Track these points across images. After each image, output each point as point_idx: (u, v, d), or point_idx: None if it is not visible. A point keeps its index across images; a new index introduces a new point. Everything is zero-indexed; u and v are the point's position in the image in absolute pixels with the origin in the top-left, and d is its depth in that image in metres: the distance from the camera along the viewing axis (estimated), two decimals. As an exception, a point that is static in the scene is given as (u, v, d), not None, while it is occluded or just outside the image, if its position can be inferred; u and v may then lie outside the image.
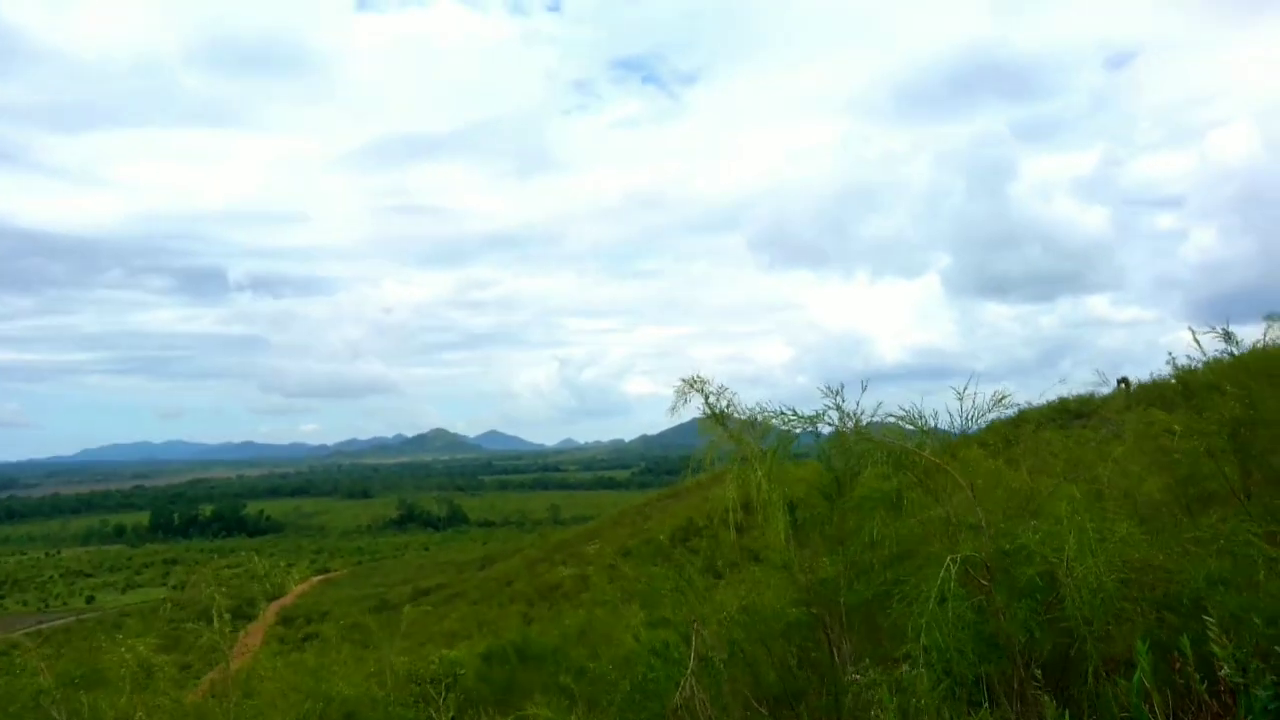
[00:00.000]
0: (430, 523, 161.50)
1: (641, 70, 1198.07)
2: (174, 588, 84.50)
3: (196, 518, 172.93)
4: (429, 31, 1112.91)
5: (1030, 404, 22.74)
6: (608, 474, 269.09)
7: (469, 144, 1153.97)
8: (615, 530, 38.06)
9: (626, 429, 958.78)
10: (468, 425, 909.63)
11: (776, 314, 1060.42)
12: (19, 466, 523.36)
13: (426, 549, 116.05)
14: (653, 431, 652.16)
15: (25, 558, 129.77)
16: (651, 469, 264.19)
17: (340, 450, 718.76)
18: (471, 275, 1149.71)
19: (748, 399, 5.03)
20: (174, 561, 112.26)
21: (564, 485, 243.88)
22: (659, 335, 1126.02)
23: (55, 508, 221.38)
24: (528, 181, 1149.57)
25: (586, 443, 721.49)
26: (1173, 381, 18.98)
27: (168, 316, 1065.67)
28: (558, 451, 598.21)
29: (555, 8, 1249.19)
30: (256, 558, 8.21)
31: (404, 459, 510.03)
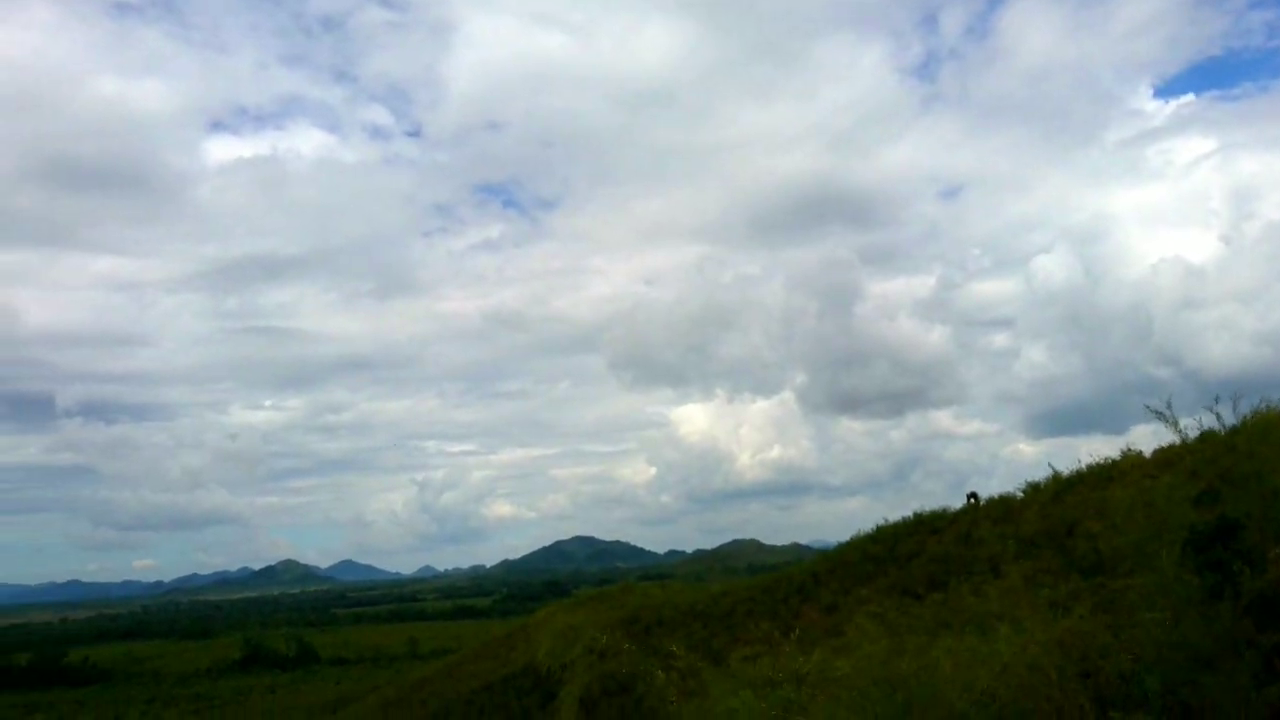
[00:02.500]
0: (278, 662, 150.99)
1: (502, 195, 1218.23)
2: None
3: (9, 669, 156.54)
4: (284, 154, 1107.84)
5: (886, 519, 23.40)
6: (469, 602, 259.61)
7: (325, 266, 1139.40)
8: (478, 663, 36.46)
9: (488, 554, 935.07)
10: (320, 555, 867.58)
11: (638, 432, 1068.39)
12: None
13: (273, 691, 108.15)
14: (514, 555, 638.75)
15: None
16: (514, 595, 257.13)
17: (178, 587, 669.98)
18: (325, 399, 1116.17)
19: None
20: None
21: (423, 615, 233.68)
22: (521, 456, 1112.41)
23: None
24: (386, 303, 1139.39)
25: (446, 569, 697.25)
26: (1020, 496, 19.91)
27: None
28: (416, 580, 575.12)
29: (415, 133, 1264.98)
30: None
31: (250, 594, 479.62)
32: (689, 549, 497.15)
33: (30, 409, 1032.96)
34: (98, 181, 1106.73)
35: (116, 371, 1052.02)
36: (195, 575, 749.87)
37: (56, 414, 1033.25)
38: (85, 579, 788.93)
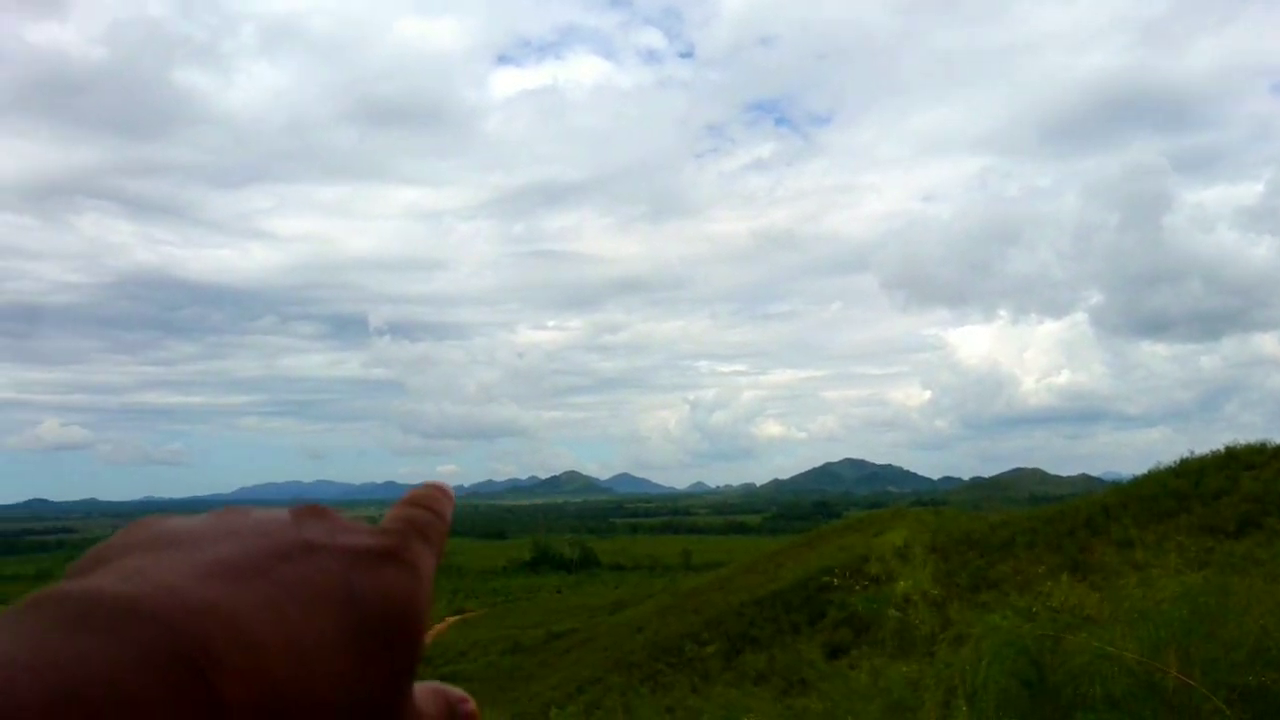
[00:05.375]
0: (563, 565, 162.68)
1: (774, 112, 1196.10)
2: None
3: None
4: (564, 83, 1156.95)
5: (1192, 452, 21.38)
6: (739, 518, 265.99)
7: (602, 190, 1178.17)
8: (747, 577, 37.40)
9: (758, 473, 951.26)
10: (599, 468, 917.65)
11: (912, 355, 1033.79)
12: (183, 503, 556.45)
13: (559, 591, 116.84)
14: (784, 476, 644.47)
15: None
16: (783, 514, 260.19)
17: (476, 491, 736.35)
18: (603, 319, 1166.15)
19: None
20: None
21: (694, 529, 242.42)
22: (791, 378, 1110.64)
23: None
24: (659, 226, 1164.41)
25: (717, 486, 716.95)
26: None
27: (316, 361, 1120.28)
28: (688, 495, 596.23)
29: (688, 54, 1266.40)
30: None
31: (538, 501, 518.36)
32: (965, 476, 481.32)
33: (349, 328, 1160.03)
34: (402, 118, 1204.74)
35: (419, 294, 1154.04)
36: (491, 481, 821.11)
37: (369, 333, 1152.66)
38: (399, 480, 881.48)
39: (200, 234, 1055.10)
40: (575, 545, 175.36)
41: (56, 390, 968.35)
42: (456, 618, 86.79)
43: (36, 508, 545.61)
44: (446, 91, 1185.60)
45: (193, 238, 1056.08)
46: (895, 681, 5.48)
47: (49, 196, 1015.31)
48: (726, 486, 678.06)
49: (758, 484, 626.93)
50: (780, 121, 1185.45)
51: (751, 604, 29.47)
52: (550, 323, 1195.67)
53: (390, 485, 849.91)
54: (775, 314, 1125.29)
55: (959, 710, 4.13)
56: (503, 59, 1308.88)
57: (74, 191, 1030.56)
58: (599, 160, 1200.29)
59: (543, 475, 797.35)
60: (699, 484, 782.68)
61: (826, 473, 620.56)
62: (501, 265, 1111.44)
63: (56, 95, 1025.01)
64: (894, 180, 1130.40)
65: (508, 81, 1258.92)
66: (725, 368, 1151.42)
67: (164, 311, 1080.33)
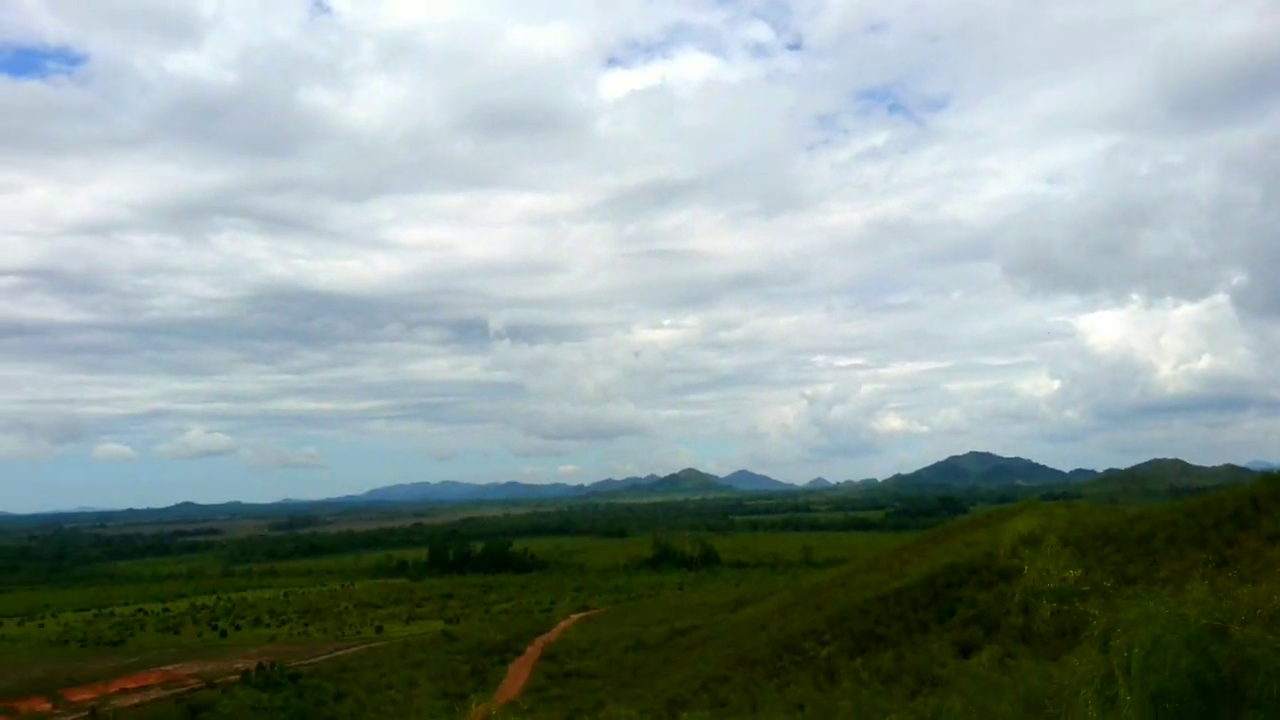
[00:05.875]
0: (684, 562, 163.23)
1: (887, 100, 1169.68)
2: (449, 621, 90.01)
3: (469, 554, 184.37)
4: (672, 81, 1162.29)
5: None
6: (860, 514, 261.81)
7: (713, 187, 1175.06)
8: (870, 574, 36.80)
9: (879, 468, 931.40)
10: (718, 465, 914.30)
11: (1039, 343, 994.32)
12: (317, 505, 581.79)
13: (681, 588, 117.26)
14: (906, 470, 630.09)
15: (324, 589, 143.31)
16: (906, 510, 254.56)
17: (596, 490, 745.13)
18: (718, 316, 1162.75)
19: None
20: (449, 595, 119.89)
21: (815, 526, 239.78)
22: (911, 370, 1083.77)
23: (348, 543, 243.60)
24: (771, 220, 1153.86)
25: (837, 482, 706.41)
26: None
27: (440, 365, 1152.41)
28: (808, 491, 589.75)
29: (796, 46, 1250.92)
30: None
31: (657, 499, 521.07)
32: (1099, 468, 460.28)
33: (469, 332, 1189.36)
34: (515, 125, 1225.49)
35: (536, 297, 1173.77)
36: (610, 480, 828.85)
37: (489, 336, 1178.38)
38: (521, 481, 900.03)
39: (327, 246, 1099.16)
40: (696, 543, 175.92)
41: (201, 400, 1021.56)
42: (580, 615, 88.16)
43: (186, 510, 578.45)
44: (558, 96, 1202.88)
45: (321, 250, 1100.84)
46: (1035, 678, 5.33)
47: (189, 216, 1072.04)
48: (847, 482, 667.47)
49: (879, 479, 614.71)
50: (894, 108, 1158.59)
51: (876, 601, 28.98)
52: (665, 321, 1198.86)
53: (513, 485, 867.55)
54: (894, 305, 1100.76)
55: (1115, 704, 3.98)
56: (611, 61, 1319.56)
57: (211, 211, 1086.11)
58: (709, 157, 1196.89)
59: (661, 474, 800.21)
60: (819, 480, 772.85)
61: (951, 467, 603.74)
62: (616, 266, 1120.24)
63: (194, 120, 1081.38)
64: (1015, 163, 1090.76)
65: (617, 83, 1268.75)
66: (843, 361, 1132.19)
67: (296, 322, 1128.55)
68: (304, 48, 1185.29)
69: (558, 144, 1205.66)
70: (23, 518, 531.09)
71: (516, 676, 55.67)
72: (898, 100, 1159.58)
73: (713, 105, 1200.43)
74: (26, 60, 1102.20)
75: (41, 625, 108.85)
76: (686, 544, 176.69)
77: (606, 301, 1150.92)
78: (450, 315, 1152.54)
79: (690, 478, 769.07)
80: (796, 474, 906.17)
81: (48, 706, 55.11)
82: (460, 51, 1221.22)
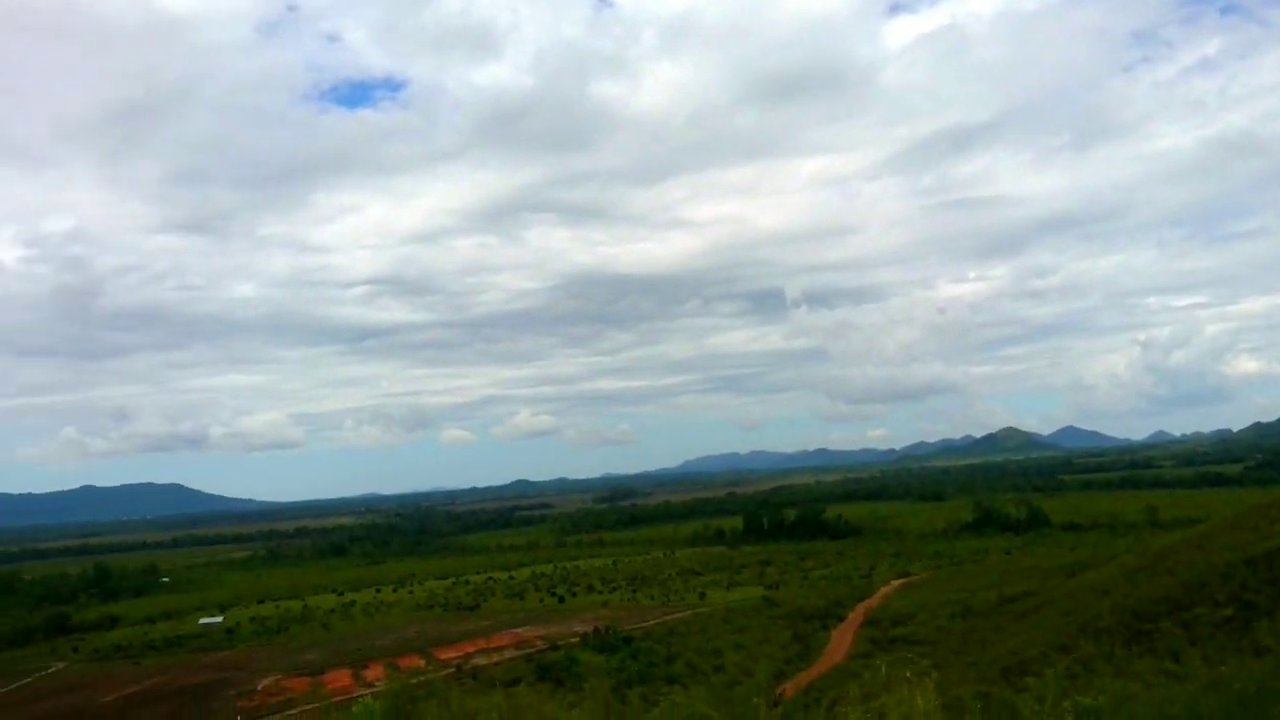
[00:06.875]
0: (1008, 525, 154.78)
1: (1218, 2, 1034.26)
2: (768, 587, 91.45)
3: (782, 522, 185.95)
4: (963, 19, 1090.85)
5: None
6: (1213, 469, 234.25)
7: (1015, 125, 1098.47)
8: (1232, 534, 32.92)
9: (1234, 417, 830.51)
10: (1040, 422, 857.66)
11: None
12: (634, 478, 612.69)
13: (1007, 553, 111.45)
14: (1267, 418, 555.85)
15: (648, 557, 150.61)
16: (1270, 462, 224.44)
17: (908, 454, 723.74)
18: (1030, 263, 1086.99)
19: None
20: (767, 562, 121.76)
21: (1159, 483, 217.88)
22: (1265, 305, 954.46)
23: (666, 513, 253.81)
24: (1085, 153, 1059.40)
25: (1183, 434, 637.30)
26: None
27: (740, 337, 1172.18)
28: (1148, 446, 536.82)
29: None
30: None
31: (974, 460, 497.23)
32: None
33: (767, 302, 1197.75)
34: (797, 89, 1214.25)
35: (832, 261, 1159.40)
36: (922, 443, 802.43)
37: (787, 305, 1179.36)
38: (830, 447, 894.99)
39: (626, 230, 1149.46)
40: (1021, 505, 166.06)
41: (527, 385, 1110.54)
42: (901, 581, 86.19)
43: (521, 487, 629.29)
44: (839, 53, 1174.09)
45: (620, 235, 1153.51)
46: None
47: (502, 216, 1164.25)
48: (1195, 434, 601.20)
49: (1235, 429, 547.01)
50: (1227, 10, 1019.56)
51: (1242, 564, 25.88)
52: (971, 274, 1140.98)
53: (822, 452, 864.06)
54: (1239, 233, 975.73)
55: None
56: (895, 7, 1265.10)
57: (520, 208, 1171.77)
58: (1009, 94, 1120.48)
59: (977, 434, 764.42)
60: (1160, 433, 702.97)
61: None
62: (913, 221, 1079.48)
63: (500, 126, 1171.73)
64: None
65: (902, 30, 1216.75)
66: (1181, 301, 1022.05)
67: (603, 306, 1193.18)
68: (591, 43, 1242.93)
69: (843, 102, 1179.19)
70: (388, 497, 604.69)
71: (840, 642, 55.59)
72: (1231, 1, 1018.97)
73: (1010, 37, 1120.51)
74: (358, 92, 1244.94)
75: (411, 592, 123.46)
76: (1010, 506, 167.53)
77: (906, 258, 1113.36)
78: (747, 287, 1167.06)
79: (1010, 437, 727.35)
80: (1132, 427, 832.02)
81: (421, 663, 62.51)
82: (737, 24, 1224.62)
